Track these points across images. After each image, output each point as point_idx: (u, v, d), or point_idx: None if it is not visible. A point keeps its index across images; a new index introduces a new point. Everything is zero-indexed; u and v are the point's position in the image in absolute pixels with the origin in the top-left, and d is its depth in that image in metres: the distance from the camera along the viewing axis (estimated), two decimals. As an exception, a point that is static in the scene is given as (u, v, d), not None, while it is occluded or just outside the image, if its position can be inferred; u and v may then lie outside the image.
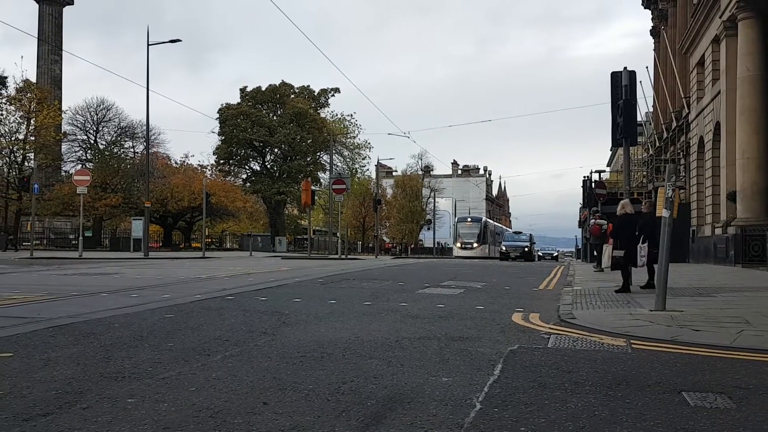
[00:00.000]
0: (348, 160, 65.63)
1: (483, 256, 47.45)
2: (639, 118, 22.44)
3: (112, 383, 3.91)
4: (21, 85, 44.25)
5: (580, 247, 43.45)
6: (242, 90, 59.09)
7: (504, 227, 71.45)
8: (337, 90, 61.42)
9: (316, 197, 48.64)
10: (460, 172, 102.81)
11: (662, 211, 7.53)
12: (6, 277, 13.75)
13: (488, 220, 59.76)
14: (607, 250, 10.48)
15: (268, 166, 59.30)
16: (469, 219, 55.82)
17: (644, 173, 37.94)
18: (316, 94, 60.89)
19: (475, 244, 50.90)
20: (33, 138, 45.02)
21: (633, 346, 5.48)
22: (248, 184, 58.55)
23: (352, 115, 65.65)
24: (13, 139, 44.68)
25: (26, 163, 46.50)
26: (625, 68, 13.71)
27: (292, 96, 59.12)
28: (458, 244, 52.59)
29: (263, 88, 58.76)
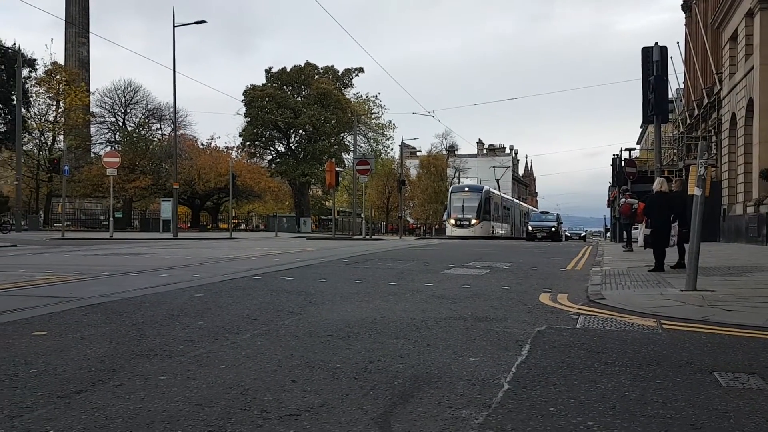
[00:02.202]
0: (372, 140, 65.53)
1: (484, 236, 39.12)
2: (670, 95, 21.91)
3: (144, 361, 3.97)
4: (50, 67, 44.99)
5: (608, 226, 42.81)
6: (267, 71, 59.17)
7: (515, 200, 61.81)
8: (361, 70, 61.27)
9: (340, 178, 48.20)
10: (485, 151, 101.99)
11: (694, 190, 7.37)
12: (39, 257, 14.06)
13: (492, 190, 46.35)
14: (642, 228, 10.37)
15: (293, 147, 59.50)
16: (466, 188, 45.24)
17: (675, 151, 37.20)
18: (340, 74, 60.80)
19: (473, 221, 40.64)
20: (62, 120, 45.82)
21: (663, 326, 5.41)
22: (273, 165, 58.90)
23: (376, 96, 65.52)
24: (42, 121, 45.52)
25: (56, 145, 47.35)
26: (656, 44, 13.43)
27: (317, 77, 59.06)
28: (452, 221, 41.77)
29: (288, 69, 58.77)
